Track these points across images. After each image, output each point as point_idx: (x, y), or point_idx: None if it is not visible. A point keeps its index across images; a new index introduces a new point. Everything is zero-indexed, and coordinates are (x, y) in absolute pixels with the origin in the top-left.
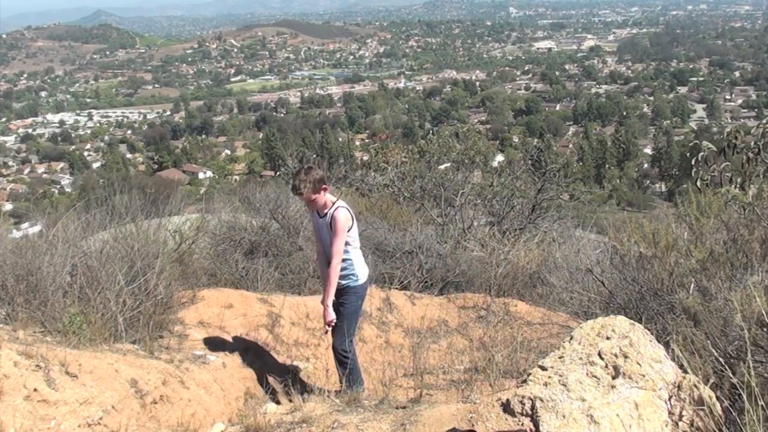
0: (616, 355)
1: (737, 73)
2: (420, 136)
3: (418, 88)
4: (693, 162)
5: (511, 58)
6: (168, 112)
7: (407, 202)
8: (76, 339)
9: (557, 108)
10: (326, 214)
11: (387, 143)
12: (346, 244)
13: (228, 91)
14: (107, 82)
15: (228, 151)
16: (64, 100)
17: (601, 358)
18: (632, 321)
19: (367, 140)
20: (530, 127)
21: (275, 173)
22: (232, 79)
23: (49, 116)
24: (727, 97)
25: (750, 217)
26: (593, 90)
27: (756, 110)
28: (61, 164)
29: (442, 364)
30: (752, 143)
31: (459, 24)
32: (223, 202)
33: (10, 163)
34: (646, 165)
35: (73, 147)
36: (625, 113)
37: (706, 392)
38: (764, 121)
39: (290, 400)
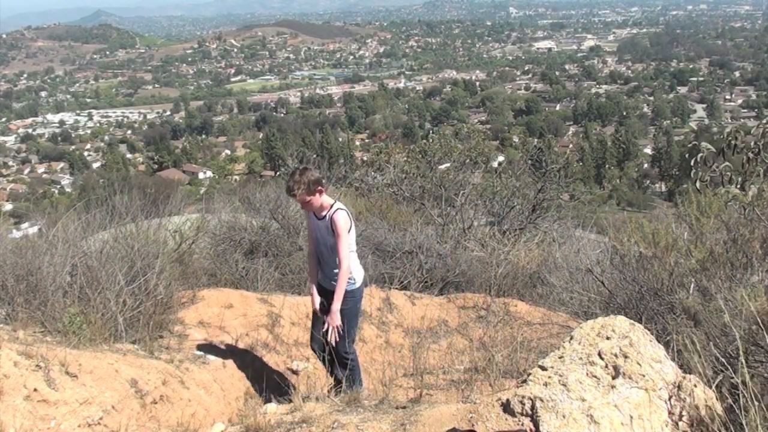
0: (616, 355)
1: (737, 73)
2: (420, 136)
3: (418, 88)
4: (693, 162)
5: (511, 58)
6: (168, 112)
7: (407, 202)
8: (76, 339)
9: (557, 108)
10: (324, 216)
11: (388, 143)
12: None
13: (228, 91)
14: (107, 82)
15: (228, 151)
16: (64, 100)
17: (601, 358)
18: (632, 321)
19: (367, 140)
20: (530, 127)
21: (275, 173)
22: (232, 79)
23: (49, 116)
24: (727, 97)
25: (750, 217)
26: (593, 90)
27: (756, 110)
28: (61, 164)
29: (442, 364)
30: (752, 143)
31: (459, 24)
32: (223, 202)
33: (10, 163)
34: (646, 165)
35: (73, 147)
36: (625, 113)
37: (706, 392)
38: (764, 121)
39: (290, 400)
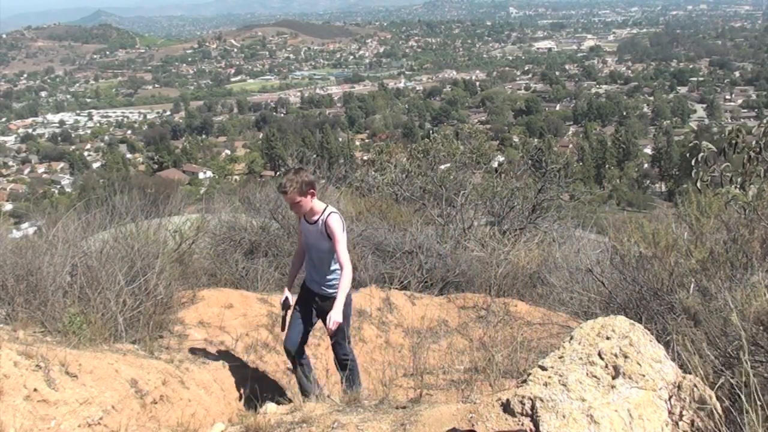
0: (616, 355)
1: (737, 73)
2: (420, 136)
3: (418, 88)
4: (693, 162)
5: (511, 58)
6: (168, 112)
7: (407, 202)
8: (76, 339)
9: (557, 108)
10: (316, 221)
11: (388, 143)
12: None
13: (228, 91)
14: (107, 82)
15: (228, 151)
16: (64, 100)
17: (601, 358)
18: (632, 321)
19: (367, 140)
20: (530, 127)
21: (275, 173)
22: (232, 79)
23: (49, 116)
24: (727, 97)
25: (750, 217)
26: (593, 90)
27: (756, 110)
28: (61, 164)
29: (442, 364)
30: (753, 143)
31: (459, 24)
32: (223, 202)
33: (10, 163)
34: (646, 165)
35: (73, 147)
36: (625, 113)
37: (706, 392)
38: (765, 121)
39: (290, 400)
